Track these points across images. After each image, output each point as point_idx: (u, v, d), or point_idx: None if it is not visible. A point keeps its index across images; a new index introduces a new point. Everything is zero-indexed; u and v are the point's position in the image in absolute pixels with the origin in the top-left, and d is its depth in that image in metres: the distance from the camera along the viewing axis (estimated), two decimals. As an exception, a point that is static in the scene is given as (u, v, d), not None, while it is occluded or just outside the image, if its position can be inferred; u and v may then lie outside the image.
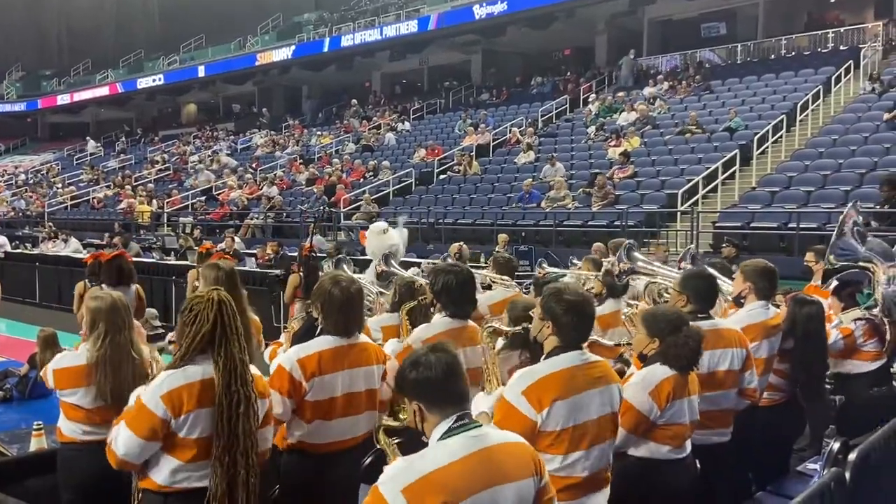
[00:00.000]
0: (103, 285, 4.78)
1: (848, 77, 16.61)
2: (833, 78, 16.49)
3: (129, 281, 4.98)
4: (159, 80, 33.59)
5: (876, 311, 4.75)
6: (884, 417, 4.30)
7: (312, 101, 31.26)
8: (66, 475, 3.45)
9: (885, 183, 10.03)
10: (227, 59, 31.73)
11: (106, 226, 19.89)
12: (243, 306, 3.58)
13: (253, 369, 2.89)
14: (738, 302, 4.14)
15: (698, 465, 3.34)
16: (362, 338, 3.38)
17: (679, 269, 5.04)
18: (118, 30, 40.78)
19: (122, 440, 2.72)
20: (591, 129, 18.21)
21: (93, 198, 24.91)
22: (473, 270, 5.31)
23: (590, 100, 20.42)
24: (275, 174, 22.02)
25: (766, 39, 20.23)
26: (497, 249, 10.81)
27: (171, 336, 3.72)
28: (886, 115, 13.47)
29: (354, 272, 5.96)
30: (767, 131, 14.70)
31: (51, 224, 20.06)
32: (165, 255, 14.76)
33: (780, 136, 14.97)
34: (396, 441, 2.53)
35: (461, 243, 6.56)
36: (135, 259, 12.83)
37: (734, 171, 14.09)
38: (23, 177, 32.07)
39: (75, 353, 3.50)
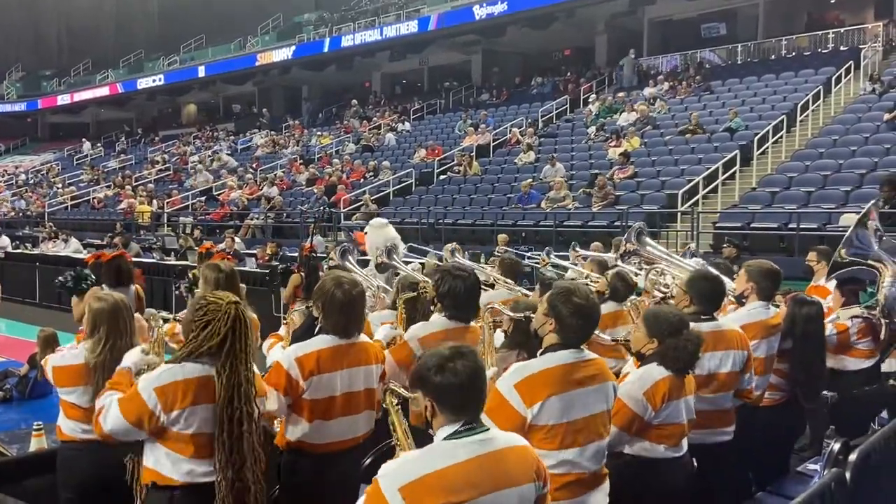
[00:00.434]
0: (103, 286, 4.76)
1: (848, 77, 16.60)
2: (833, 78, 16.48)
3: (129, 281, 4.95)
4: (159, 80, 33.60)
5: (876, 311, 4.76)
6: (875, 413, 4.31)
7: (309, 104, 31.29)
8: (65, 474, 3.44)
9: (886, 183, 10.04)
10: (228, 60, 31.73)
11: (106, 226, 19.89)
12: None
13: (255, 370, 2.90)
14: (740, 301, 4.14)
15: (696, 465, 3.33)
16: (362, 337, 3.37)
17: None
18: (118, 30, 40.79)
19: (111, 417, 2.75)
20: (592, 129, 18.21)
21: (93, 198, 24.91)
22: (478, 269, 5.32)
23: (590, 100, 20.42)
24: (275, 174, 22.03)
25: (767, 40, 20.23)
26: (497, 250, 10.80)
27: (167, 328, 3.68)
28: (887, 116, 13.47)
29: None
30: (768, 132, 14.70)
31: (51, 224, 20.06)
32: (165, 255, 14.76)
33: (781, 137, 14.96)
34: (398, 403, 2.50)
35: (454, 244, 6.56)
36: (135, 259, 12.88)
37: (734, 172, 14.09)
38: (23, 177, 32.08)
39: (75, 350, 3.48)
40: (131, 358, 3.09)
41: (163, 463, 2.76)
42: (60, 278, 4.18)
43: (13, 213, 25.74)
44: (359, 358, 3.28)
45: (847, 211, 10.24)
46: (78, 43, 40.49)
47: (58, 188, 27.82)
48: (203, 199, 22.05)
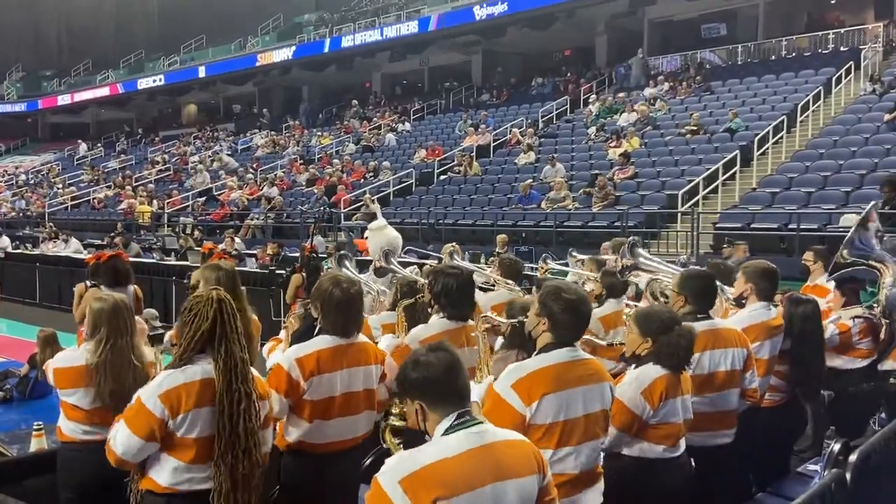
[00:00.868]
0: (101, 286, 4.76)
1: (848, 78, 16.61)
2: (833, 79, 16.49)
3: (127, 281, 4.95)
4: (160, 80, 33.60)
5: (876, 310, 4.76)
6: (873, 412, 4.32)
7: (305, 105, 31.33)
8: (65, 475, 3.44)
9: (886, 184, 10.04)
10: (228, 60, 31.73)
11: (106, 226, 19.90)
12: (243, 306, 3.57)
13: (253, 371, 2.89)
14: (740, 303, 4.14)
15: (696, 467, 3.33)
16: (361, 337, 3.37)
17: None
18: (118, 30, 40.82)
19: (120, 439, 2.72)
20: (592, 129, 18.22)
21: (93, 198, 24.92)
22: (478, 269, 5.31)
23: (590, 100, 20.42)
24: (275, 175, 22.03)
25: (767, 40, 20.23)
26: (496, 250, 10.80)
27: (169, 335, 3.70)
28: (887, 116, 13.47)
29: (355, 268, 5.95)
30: (768, 132, 14.71)
31: (51, 224, 20.07)
32: (166, 255, 14.76)
33: (781, 137, 14.97)
34: (400, 442, 2.54)
35: (453, 244, 6.56)
36: (135, 259, 12.89)
37: (735, 172, 14.09)
38: (23, 177, 32.11)
39: (76, 352, 3.48)
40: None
41: (160, 471, 2.75)
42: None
43: (13, 214, 25.76)
44: (358, 358, 3.28)
45: (847, 211, 10.25)
46: (78, 43, 40.50)
47: (58, 188, 27.83)
48: (203, 199, 22.05)
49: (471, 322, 3.74)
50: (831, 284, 5.11)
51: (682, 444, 3.24)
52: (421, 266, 6.89)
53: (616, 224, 12.50)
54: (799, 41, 19.80)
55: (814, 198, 11.56)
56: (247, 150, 27.96)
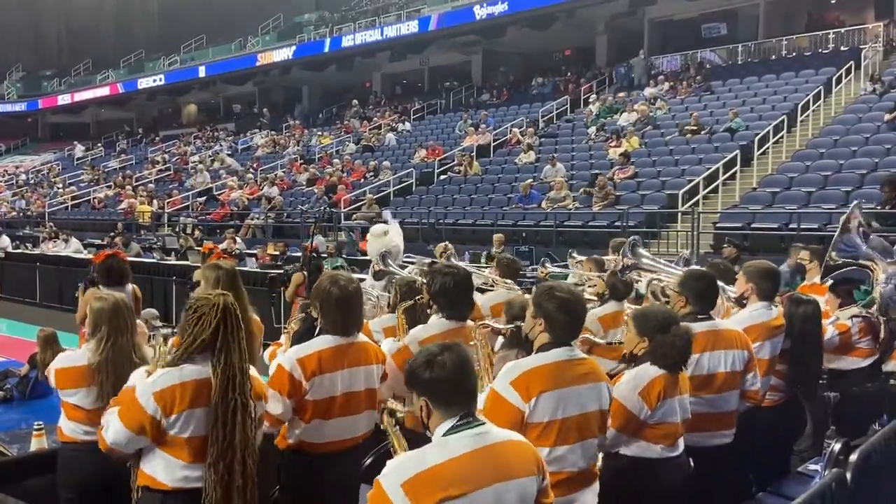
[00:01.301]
0: (100, 286, 4.76)
1: (849, 78, 16.60)
2: (834, 78, 16.48)
3: (123, 281, 4.95)
4: (160, 80, 33.60)
5: (873, 309, 4.76)
6: (877, 413, 4.31)
7: (302, 105, 31.32)
8: (66, 475, 3.44)
9: (887, 184, 10.03)
10: (228, 60, 31.73)
11: (106, 226, 19.90)
12: (245, 305, 3.57)
13: (252, 370, 2.89)
14: (741, 303, 4.14)
15: (696, 467, 3.33)
16: (361, 337, 3.37)
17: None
18: (118, 30, 40.82)
19: (112, 429, 2.75)
20: (592, 129, 18.21)
21: (93, 198, 24.91)
22: (476, 271, 5.31)
23: (590, 100, 20.42)
24: (275, 174, 22.03)
25: (767, 40, 20.22)
26: (494, 250, 10.81)
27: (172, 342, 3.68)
28: (887, 116, 13.46)
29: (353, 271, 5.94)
30: (768, 132, 14.70)
31: (51, 224, 20.07)
32: (166, 255, 14.75)
33: (781, 137, 14.96)
34: (397, 423, 2.51)
35: (446, 242, 6.59)
36: (135, 259, 12.90)
37: (735, 172, 14.08)
38: (23, 177, 32.11)
39: (77, 353, 3.49)
40: (136, 378, 3.08)
41: (158, 468, 2.76)
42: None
43: (13, 213, 25.75)
44: (359, 357, 3.28)
45: (847, 211, 10.23)
46: (78, 43, 40.51)
47: (58, 188, 27.83)
48: (202, 199, 22.04)
49: (470, 322, 3.74)
50: (827, 285, 5.12)
51: (681, 443, 3.25)
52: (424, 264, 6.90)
53: (616, 224, 12.50)
54: (799, 41, 19.80)
55: (814, 197, 11.55)
56: (247, 149, 27.96)
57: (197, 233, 16.64)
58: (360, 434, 3.33)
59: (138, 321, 3.71)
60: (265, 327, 4.56)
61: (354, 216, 16.21)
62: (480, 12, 23.06)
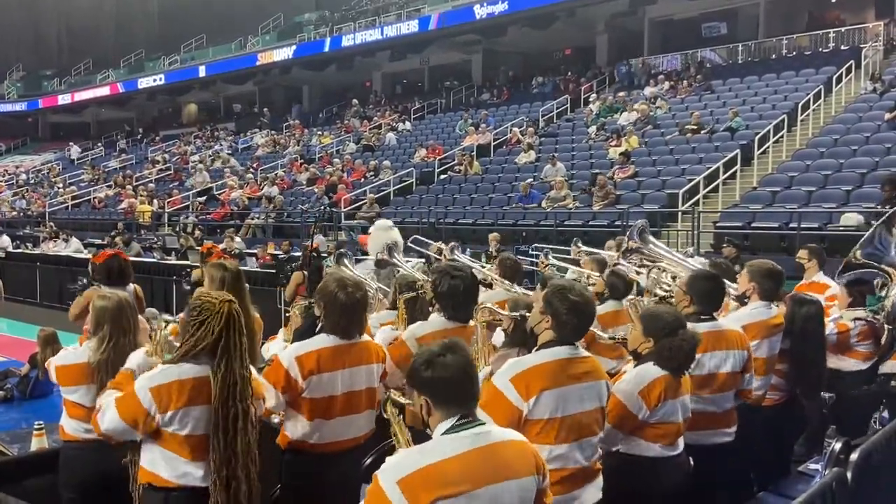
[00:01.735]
0: (100, 286, 4.77)
1: (849, 77, 16.59)
2: (834, 78, 16.47)
3: (125, 280, 4.95)
4: (160, 80, 33.60)
5: (880, 316, 4.75)
6: (873, 412, 4.31)
7: (300, 106, 31.30)
8: (67, 474, 3.44)
9: (887, 183, 10.01)
10: (228, 59, 31.73)
11: (107, 226, 19.89)
12: (247, 304, 3.60)
13: (252, 370, 2.90)
14: (742, 301, 4.14)
15: (697, 465, 3.33)
16: (363, 337, 3.37)
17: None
18: (118, 30, 40.81)
19: (108, 416, 2.77)
20: (592, 128, 18.21)
21: (94, 198, 24.91)
22: (476, 268, 5.30)
23: (590, 100, 20.41)
24: (276, 174, 22.03)
25: (767, 39, 20.22)
26: (490, 249, 10.81)
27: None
28: (887, 115, 13.44)
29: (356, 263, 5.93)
30: (768, 131, 14.69)
31: (52, 224, 20.08)
32: (166, 254, 14.77)
33: (781, 136, 14.94)
34: (400, 413, 2.52)
35: (441, 243, 6.58)
36: (136, 259, 12.90)
37: (735, 171, 14.07)
38: (24, 177, 32.10)
39: (78, 350, 3.49)
40: (135, 360, 3.09)
41: (159, 464, 2.76)
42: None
43: (14, 213, 25.74)
44: (360, 357, 3.28)
45: (848, 210, 10.23)
46: (78, 43, 40.50)
47: (58, 188, 27.81)
48: (202, 199, 22.04)
49: (471, 323, 3.75)
50: (840, 283, 5.08)
51: (681, 442, 3.25)
52: (427, 262, 6.89)
53: (616, 223, 12.49)
54: (799, 40, 19.79)
55: (814, 197, 11.54)
56: (247, 149, 27.95)
57: (197, 232, 16.64)
58: (361, 434, 3.33)
59: (140, 318, 3.70)
60: (267, 323, 4.59)
61: (355, 215, 16.21)
62: (481, 12, 23.06)
